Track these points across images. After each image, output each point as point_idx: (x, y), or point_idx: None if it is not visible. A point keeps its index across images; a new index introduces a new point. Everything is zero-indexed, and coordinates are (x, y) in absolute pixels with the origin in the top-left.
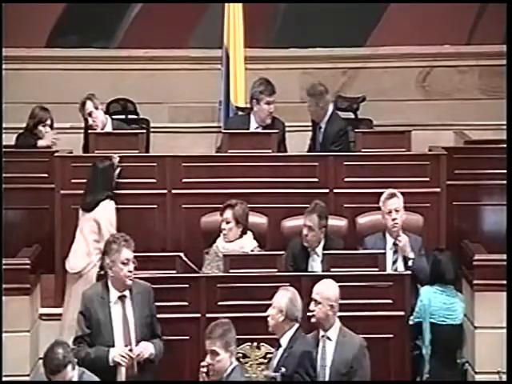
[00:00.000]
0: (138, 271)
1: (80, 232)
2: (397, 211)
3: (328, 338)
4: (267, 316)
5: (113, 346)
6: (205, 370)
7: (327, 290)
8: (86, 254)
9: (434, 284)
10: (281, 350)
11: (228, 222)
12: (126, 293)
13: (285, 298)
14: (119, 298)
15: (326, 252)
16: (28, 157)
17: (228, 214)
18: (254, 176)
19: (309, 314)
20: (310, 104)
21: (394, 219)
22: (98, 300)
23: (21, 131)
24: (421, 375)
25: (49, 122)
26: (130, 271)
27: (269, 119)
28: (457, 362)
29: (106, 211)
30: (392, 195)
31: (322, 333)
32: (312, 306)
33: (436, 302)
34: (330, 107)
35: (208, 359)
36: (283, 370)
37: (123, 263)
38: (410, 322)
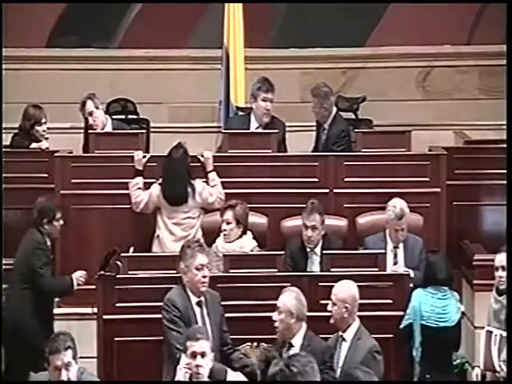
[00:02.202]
0: (138, 271)
1: (175, 224)
2: (403, 230)
3: (343, 339)
4: (274, 321)
5: None
6: (187, 374)
7: (343, 292)
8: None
9: (426, 286)
10: (295, 350)
11: (229, 223)
12: (202, 299)
13: (292, 299)
14: (197, 303)
15: (325, 252)
16: (28, 157)
17: (229, 214)
18: (254, 176)
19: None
20: (314, 105)
21: (398, 237)
22: (184, 303)
23: (16, 131)
24: (411, 377)
25: (44, 119)
26: (205, 276)
27: (266, 117)
28: (451, 364)
29: (202, 191)
30: (401, 216)
31: (340, 333)
32: (329, 307)
33: (427, 306)
34: (334, 108)
35: (199, 361)
36: None
37: (197, 269)
38: (401, 326)
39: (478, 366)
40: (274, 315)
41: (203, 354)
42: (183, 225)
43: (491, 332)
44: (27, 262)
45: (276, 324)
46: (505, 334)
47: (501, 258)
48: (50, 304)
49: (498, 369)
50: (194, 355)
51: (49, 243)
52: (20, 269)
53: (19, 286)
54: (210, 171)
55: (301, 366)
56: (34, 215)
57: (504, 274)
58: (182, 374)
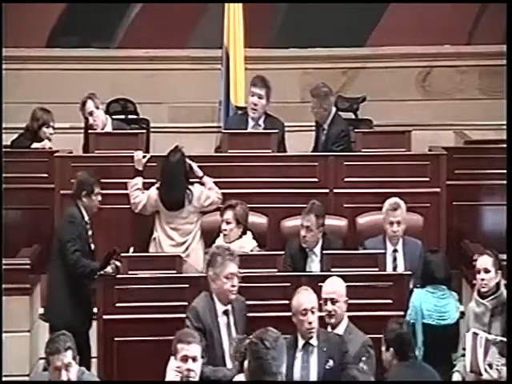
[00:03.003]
0: (138, 271)
1: (173, 229)
2: (398, 223)
3: None
4: (311, 322)
5: (223, 359)
6: (177, 376)
7: (341, 287)
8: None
9: (425, 286)
10: (314, 349)
11: (228, 223)
12: (229, 307)
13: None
14: (223, 312)
15: (325, 252)
16: (28, 157)
17: (229, 214)
18: (254, 176)
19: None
20: (313, 105)
21: (394, 231)
22: (208, 313)
23: (21, 131)
24: None
25: (52, 123)
26: (234, 285)
27: (252, 113)
28: (450, 363)
29: (200, 195)
30: (396, 207)
31: (329, 330)
32: (330, 306)
33: (427, 304)
34: (333, 109)
35: (190, 365)
36: (331, 362)
37: (227, 277)
38: None
39: (458, 371)
40: (312, 317)
41: (195, 359)
42: (181, 230)
43: (477, 334)
44: (58, 235)
45: (314, 325)
46: (490, 337)
47: (482, 261)
48: (84, 284)
49: (483, 371)
50: (185, 359)
51: (87, 218)
52: (54, 242)
53: (54, 261)
54: (202, 177)
55: (273, 341)
56: (74, 188)
57: (486, 276)
58: (172, 375)
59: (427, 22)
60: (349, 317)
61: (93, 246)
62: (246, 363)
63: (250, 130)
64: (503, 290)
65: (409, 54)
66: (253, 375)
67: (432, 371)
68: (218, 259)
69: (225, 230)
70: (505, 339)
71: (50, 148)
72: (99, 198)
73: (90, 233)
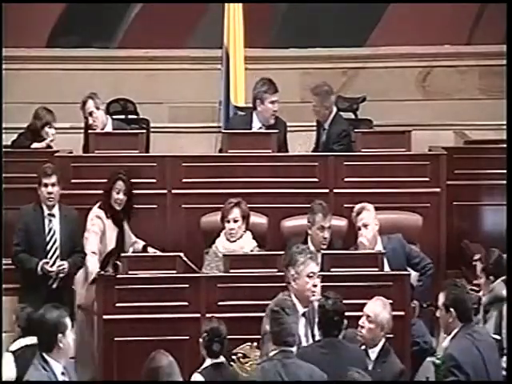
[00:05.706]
0: (138, 271)
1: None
2: (365, 226)
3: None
4: (362, 327)
5: None
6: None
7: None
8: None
9: None
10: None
11: (236, 221)
12: (308, 309)
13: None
14: (303, 314)
15: (325, 252)
16: (28, 157)
17: (236, 213)
18: (254, 176)
19: None
20: (315, 103)
21: (361, 235)
22: (291, 314)
23: (21, 131)
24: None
25: (53, 123)
26: (315, 285)
27: (272, 119)
28: None
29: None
30: (359, 211)
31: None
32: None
33: None
34: (334, 108)
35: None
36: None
37: (309, 276)
38: None
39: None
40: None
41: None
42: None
43: None
44: None
45: (363, 331)
46: None
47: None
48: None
49: None
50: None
51: (48, 211)
52: None
53: None
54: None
55: (292, 309)
56: None
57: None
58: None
59: (427, 22)
60: (349, 317)
61: (55, 242)
62: (267, 328)
63: (255, 130)
64: (495, 285)
65: (409, 54)
66: (277, 338)
67: (354, 351)
68: (300, 258)
69: (233, 229)
70: (497, 337)
71: (50, 147)
72: (50, 189)
73: (49, 227)
